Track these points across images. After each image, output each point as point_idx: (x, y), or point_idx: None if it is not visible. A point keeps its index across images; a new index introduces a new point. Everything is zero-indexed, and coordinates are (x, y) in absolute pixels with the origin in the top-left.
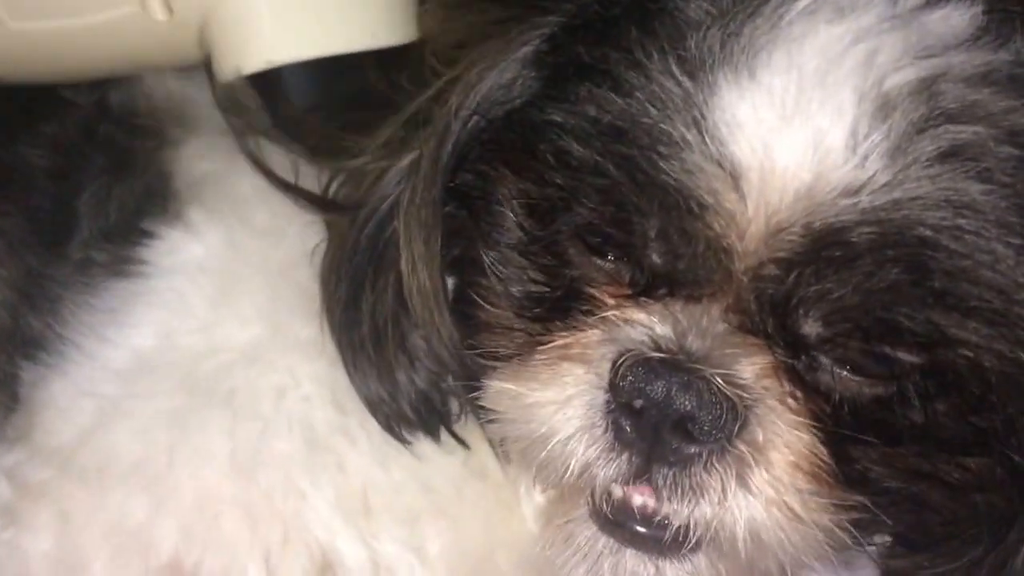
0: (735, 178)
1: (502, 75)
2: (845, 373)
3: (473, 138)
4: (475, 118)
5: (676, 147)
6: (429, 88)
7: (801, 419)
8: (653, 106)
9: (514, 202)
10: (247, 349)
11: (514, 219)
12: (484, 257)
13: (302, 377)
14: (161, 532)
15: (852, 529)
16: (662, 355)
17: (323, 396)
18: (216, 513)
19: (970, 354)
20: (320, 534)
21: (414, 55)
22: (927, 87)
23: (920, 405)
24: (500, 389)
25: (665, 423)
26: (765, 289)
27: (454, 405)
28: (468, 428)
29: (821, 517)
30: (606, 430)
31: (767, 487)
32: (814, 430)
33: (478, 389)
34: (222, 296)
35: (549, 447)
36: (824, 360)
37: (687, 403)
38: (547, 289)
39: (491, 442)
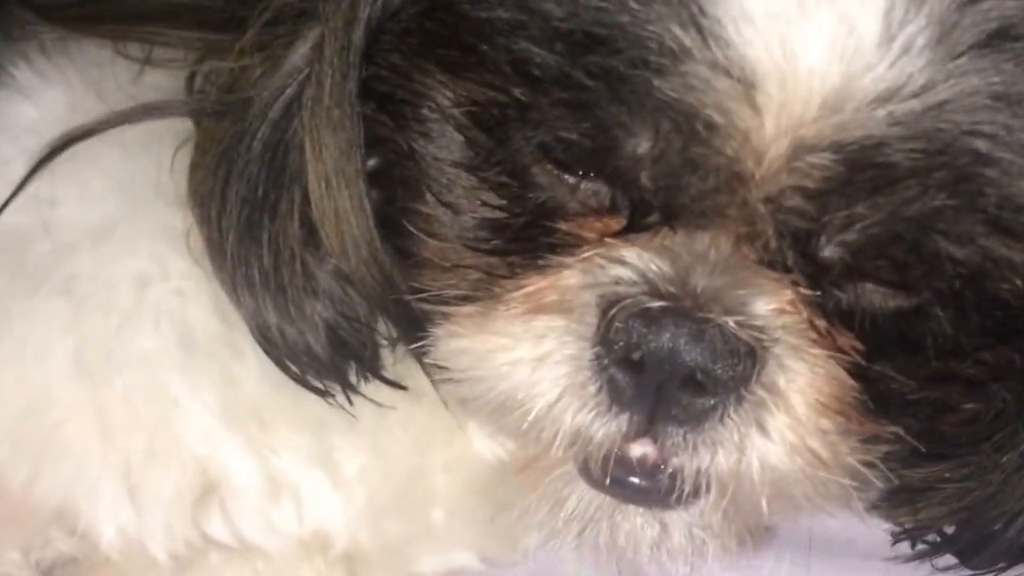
0: (749, 88)
1: None
2: (868, 286)
3: (386, 18)
4: None
5: (672, 55)
6: None
7: (825, 353)
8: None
9: (454, 110)
10: (95, 230)
11: (455, 130)
12: (421, 177)
13: (172, 271)
14: None
15: (881, 465)
16: (663, 303)
17: (201, 300)
18: (56, 421)
19: (1020, 282)
20: (197, 446)
21: None
22: None
23: (946, 313)
24: (458, 348)
25: (672, 380)
26: (787, 220)
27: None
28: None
29: (848, 459)
30: (599, 389)
31: (789, 432)
32: (839, 362)
33: (420, 337)
34: (62, 168)
35: (531, 415)
36: (845, 282)
37: (698, 356)
38: (506, 215)
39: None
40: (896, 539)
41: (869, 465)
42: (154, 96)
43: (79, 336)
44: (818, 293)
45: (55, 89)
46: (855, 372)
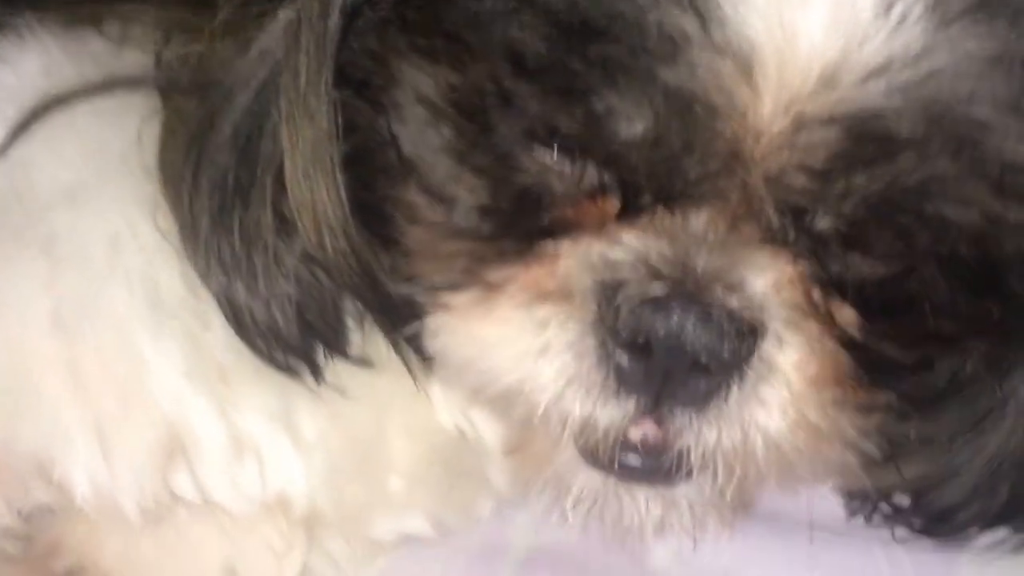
0: (747, 68)
1: None
2: (857, 257)
3: (362, 1)
4: None
5: (671, 40)
6: None
7: (822, 326)
8: None
9: (436, 98)
10: (70, 192)
11: (437, 118)
12: (403, 163)
13: (143, 234)
14: None
15: (877, 436)
16: (667, 287)
17: (171, 265)
18: (32, 375)
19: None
20: (166, 405)
21: None
22: None
23: (943, 276)
24: (456, 340)
25: (680, 363)
26: (787, 196)
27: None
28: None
29: (847, 429)
30: (606, 375)
31: (790, 407)
32: (836, 334)
33: (401, 326)
34: (38, 132)
35: (539, 405)
36: (842, 253)
37: (706, 339)
38: (491, 201)
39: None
40: (852, 511)
41: (865, 433)
42: (131, 69)
43: (56, 294)
44: (815, 266)
45: (32, 55)
46: (851, 342)
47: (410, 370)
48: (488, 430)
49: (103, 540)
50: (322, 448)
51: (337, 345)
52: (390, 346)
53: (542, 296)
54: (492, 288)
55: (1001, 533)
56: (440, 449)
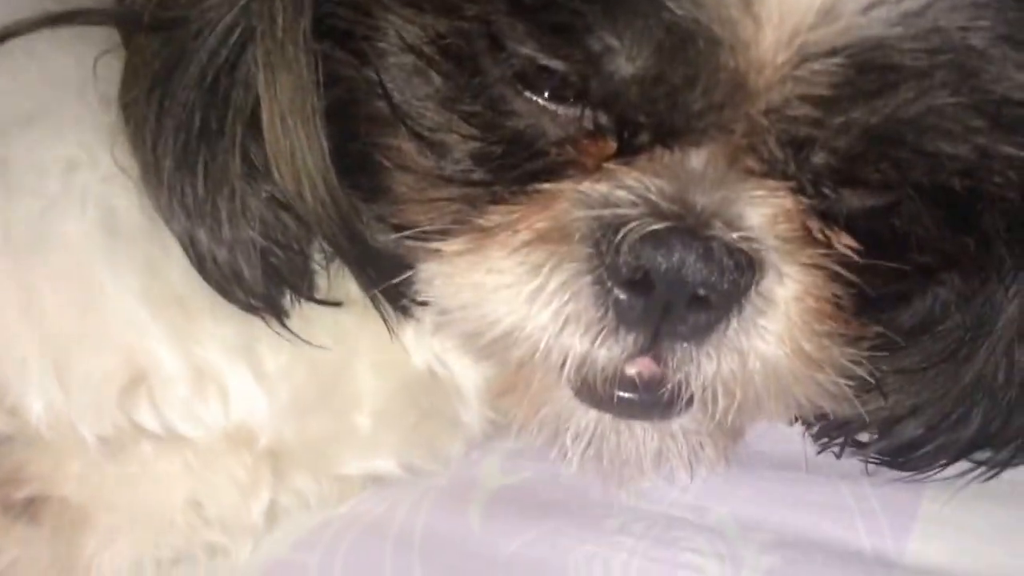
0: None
1: None
2: (849, 191)
3: None
4: None
5: None
6: None
7: (818, 257)
8: None
9: (423, 45)
10: (25, 116)
11: (426, 65)
12: (394, 110)
13: (101, 159)
14: None
15: (866, 363)
16: (668, 224)
17: (129, 192)
18: None
19: (1014, 175)
20: (124, 332)
21: None
22: None
23: (922, 210)
24: (452, 285)
25: (680, 298)
26: (788, 128)
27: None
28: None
29: (840, 359)
30: (605, 313)
31: (786, 337)
32: (831, 265)
33: (383, 277)
34: None
35: (539, 346)
36: (839, 185)
37: (706, 274)
38: (483, 146)
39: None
40: (823, 448)
41: (857, 363)
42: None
43: (7, 217)
44: (813, 199)
45: None
46: (844, 274)
47: (384, 319)
48: (463, 374)
49: (65, 471)
50: (285, 380)
51: (302, 290)
52: (366, 297)
53: (538, 238)
54: (486, 232)
55: (965, 466)
56: (409, 389)
